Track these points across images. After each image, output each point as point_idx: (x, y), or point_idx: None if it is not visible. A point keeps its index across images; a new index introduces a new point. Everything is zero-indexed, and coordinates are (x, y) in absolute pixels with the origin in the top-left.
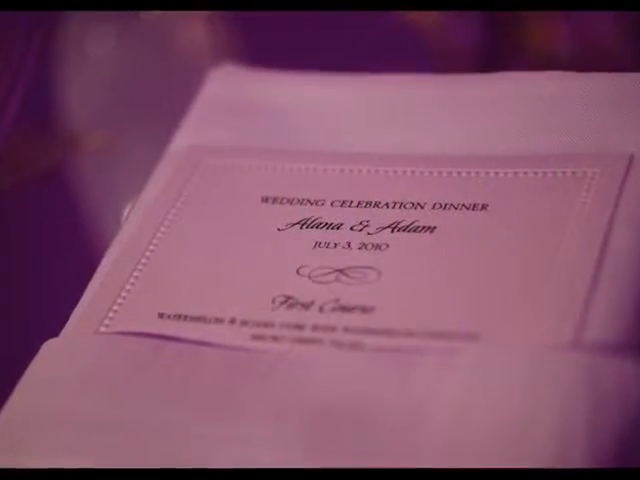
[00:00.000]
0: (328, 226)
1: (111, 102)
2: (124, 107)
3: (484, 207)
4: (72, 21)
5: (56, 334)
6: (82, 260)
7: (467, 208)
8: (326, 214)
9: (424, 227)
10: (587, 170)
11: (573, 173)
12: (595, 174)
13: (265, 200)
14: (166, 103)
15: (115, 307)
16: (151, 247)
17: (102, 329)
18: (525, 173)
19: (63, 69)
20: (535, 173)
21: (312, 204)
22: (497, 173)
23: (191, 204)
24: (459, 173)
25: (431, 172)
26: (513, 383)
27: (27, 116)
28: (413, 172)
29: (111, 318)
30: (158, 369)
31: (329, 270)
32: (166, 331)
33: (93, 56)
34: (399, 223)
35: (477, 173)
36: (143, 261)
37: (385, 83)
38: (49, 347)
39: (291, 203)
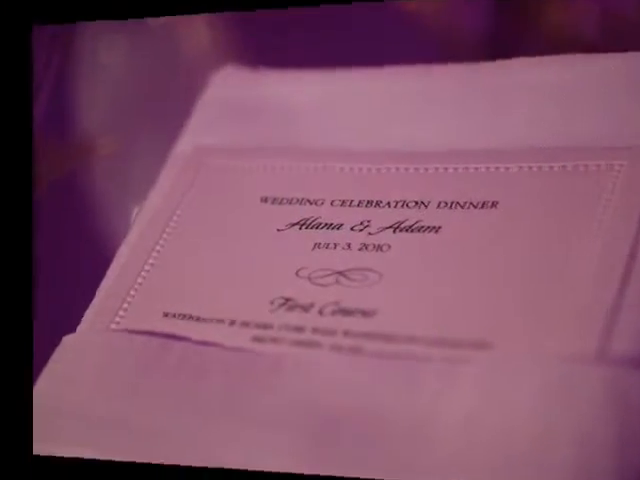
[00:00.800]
0: (328, 226)
1: (119, 107)
2: (132, 112)
3: (494, 205)
4: (83, 32)
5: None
6: (100, 259)
7: (475, 206)
8: (326, 214)
9: (428, 227)
10: (613, 163)
11: (597, 166)
12: (622, 167)
13: (264, 200)
14: (173, 107)
15: (125, 305)
16: (157, 248)
17: (113, 326)
18: (540, 168)
19: (76, 79)
20: (551, 167)
21: (312, 204)
22: (507, 168)
23: (194, 206)
24: (466, 169)
25: (436, 169)
26: (528, 398)
27: (45, 126)
28: (416, 169)
29: (122, 316)
30: (164, 367)
31: (329, 272)
32: (170, 329)
33: (103, 64)
34: (402, 223)
35: (486, 168)
36: (150, 261)
37: (386, 77)
38: (67, 342)
39: (290, 203)
